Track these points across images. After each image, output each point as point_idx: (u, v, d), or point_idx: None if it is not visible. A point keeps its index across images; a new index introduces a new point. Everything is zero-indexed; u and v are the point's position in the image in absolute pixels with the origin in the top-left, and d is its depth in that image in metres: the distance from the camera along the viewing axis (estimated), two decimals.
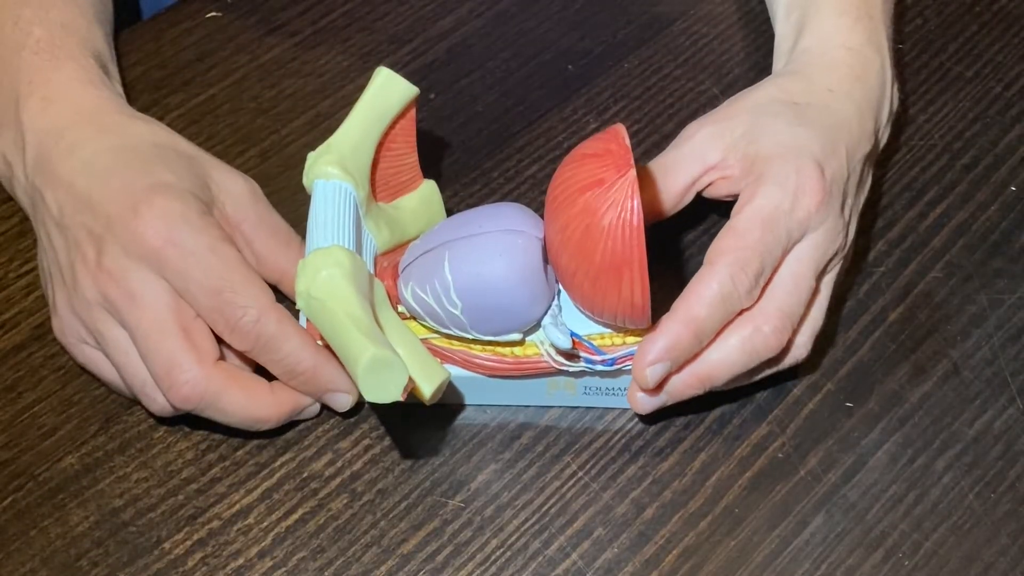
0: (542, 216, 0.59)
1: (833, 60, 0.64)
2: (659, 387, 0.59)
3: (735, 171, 0.61)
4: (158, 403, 0.58)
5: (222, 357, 0.58)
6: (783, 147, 0.60)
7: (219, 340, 0.58)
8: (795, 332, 0.59)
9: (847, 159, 0.61)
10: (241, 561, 0.58)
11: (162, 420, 0.61)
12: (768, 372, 0.61)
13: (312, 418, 0.61)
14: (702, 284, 0.57)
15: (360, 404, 0.62)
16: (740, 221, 0.58)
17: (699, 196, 0.63)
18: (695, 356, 0.58)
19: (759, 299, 0.58)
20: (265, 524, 0.59)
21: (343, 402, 0.60)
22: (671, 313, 0.57)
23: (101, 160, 0.59)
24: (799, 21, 0.67)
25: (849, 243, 0.62)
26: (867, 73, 0.64)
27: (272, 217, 0.63)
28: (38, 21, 0.64)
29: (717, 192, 0.62)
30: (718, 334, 0.58)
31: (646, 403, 0.59)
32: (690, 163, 0.62)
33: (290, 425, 0.61)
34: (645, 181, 0.61)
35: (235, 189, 0.61)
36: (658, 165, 0.62)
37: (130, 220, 0.57)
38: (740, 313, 0.58)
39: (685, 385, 0.59)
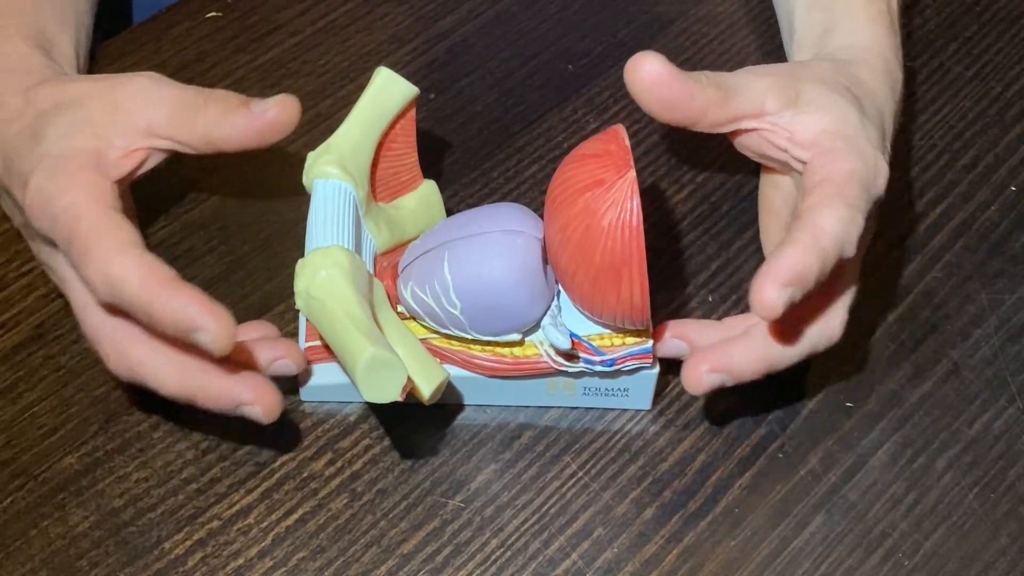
0: (542, 216, 0.59)
1: (873, 65, 0.63)
2: (719, 363, 0.57)
3: (792, 133, 0.59)
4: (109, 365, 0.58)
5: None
6: (855, 128, 0.59)
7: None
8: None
9: (887, 160, 0.61)
10: (241, 561, 0.58)
11: (162, 420, 0.61)
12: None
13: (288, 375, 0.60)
14: (825, 218, 0.54)
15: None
16: (838, 178, 0.56)
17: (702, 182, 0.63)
18: (767, 343, 0.57)
19: (824, 287, 0.57)
20: (265, 524, 0.59)
21: (204, 341, 0.53)
22: (793, 241, 0.54)
23: (5, 144, 0.59)
24: (828, 18, 0.66)
25: None
26: (896, 86, 0.64)
27: (178, 96, 0.59)
28: None
29: (753, 144, 0.60)
30: (791, 320, 0.57)
31: (709, 382, 0.58)
32: (751, 96, 0.59)
33: (290, 425, 0.61)
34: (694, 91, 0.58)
35: (127, 104, 0.59)
36: (720, 77, 0.59)
37: (24, 208, 0.57)
38: (830, 284, 0.57)
39: (753, 369, 0.58)
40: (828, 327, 0.59)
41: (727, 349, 0.58)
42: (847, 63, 0.63)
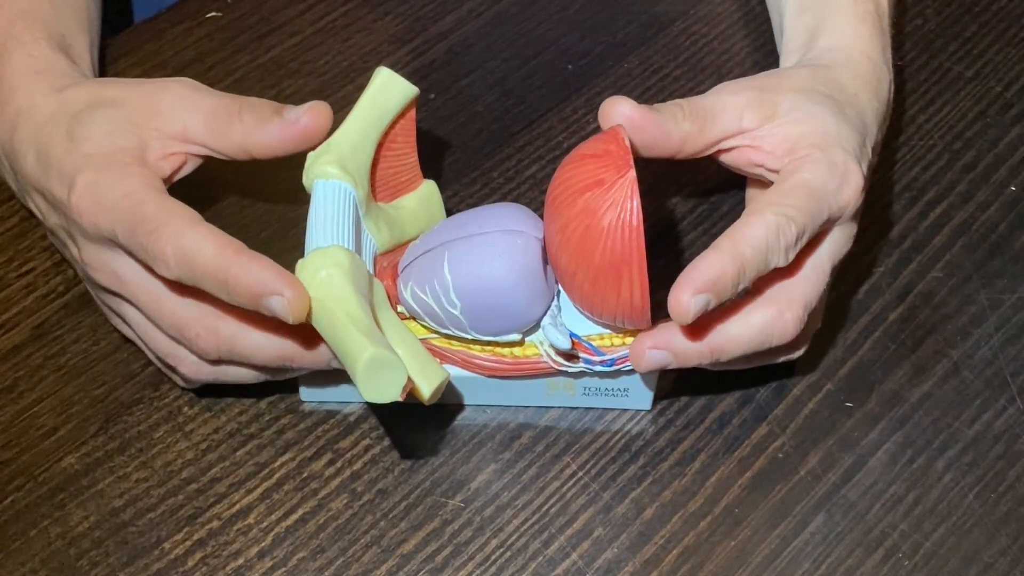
0: (542, 216, 0.59)
1: (858, 67, 0.63)
2: (660, 341, 0.57)
3: (770, 146, 0.59)
4: (189, 364, 0.58)
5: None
6: (829, 137, 0.59)
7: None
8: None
9: (870, 166, 0.61)
10: (241, 561, 0.58)
11: (162, 420, 0.61)
12: (761, 363, 0.60)
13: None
14: (748, 226, 0.56)
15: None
16: (787, 185, 0.57)
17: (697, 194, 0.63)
18: (710, 326, 0.57)
19: (782, 283, 0.58)
20: (265, 524, 0.59)
21: (279, 307, 0.54)
22: (715, 248, 0.55)
23: (39, 145, 0.59)
24: (815, 19, 0.66)
25: None
26: (881, 86, 0.64)
27: (215, 104, 0.60)
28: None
29: (739, 160, 0.61)
30: (738, 308, 0.58)
31: (652, 360, 0.58)
32: (728, 117, 0.60)
33: (290, 425, 0.61)
34: (677, 116, 0.59)
35: (165, 110, 0.59)
36: (695, 106, 0.60)
37: (71, 207, 0.57)
38: (767, 282, 0.58)
39: (697, 353, 0.58)
40: (781, 320, 0.58)
41: (672, 329, 0.58)
42: (828, 68, 0.63)
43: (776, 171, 0.59)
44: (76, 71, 0.63)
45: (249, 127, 0.59)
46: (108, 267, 0.58)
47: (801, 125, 0.59)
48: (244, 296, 0.54)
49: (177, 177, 0.60)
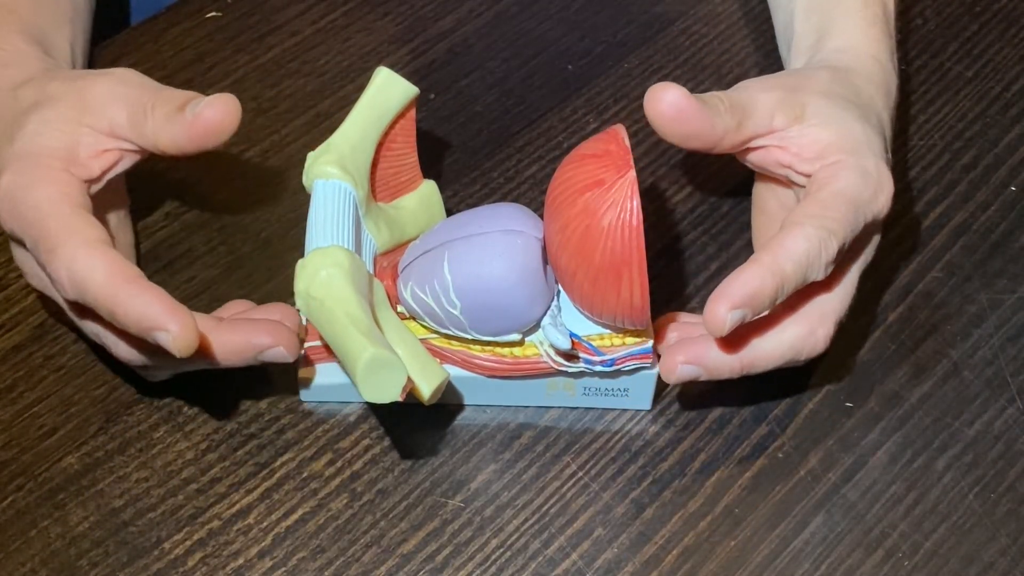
0: (542, 216, 0.59)
1: (868, 70, 0.63)
2: (693, 356, 0.58)
3: (798, 148, 0.59)
4: (121, 349, 0.57)
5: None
6: (859, 142, 0.59)
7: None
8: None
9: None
10: (241, 561, 0.58)
11: (162, 420, 0.61)
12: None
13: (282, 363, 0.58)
14: (791, 239, 0.55)
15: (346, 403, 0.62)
16: (825, 195, 0.57)
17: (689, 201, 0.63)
18: (743, 341, 0.57)
19: (814, 298, 0.58)
20: (265, 524, 0.59)
21: (165, 341, 0.52)
22: (755, 262, 0.55)
23: None
24: (823, 20, 0.66)
25: None
26: (891, 91, 0.64)
27: (135, 97, 0.57)
28: None
29: (766, 159, 0.60)
30: (772, 323, 0.57)
31: (684, 373, 0.58)
32: (761, 116, 0.59)
33: (290, 425, 0.61)
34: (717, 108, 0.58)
35: (94, 104, 0.57)
36: (734, 100, 0.58)
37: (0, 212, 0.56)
38: (802, 296, 0.57)
39: (728, 368, 0.58)
40: (813, 337, 0.58)
41: (705, 344, 0.58)
42: (845, 71, 0.63)
43: (804, 174, 0.59)
44: (48, 63, 0.62)
45: (159, 123, 0.57)
46: (28, 275, 0.58)
47: (829, 129, 0.59)
48: (132, 327, 0.53)
49: (110, 175, 0.58)
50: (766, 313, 0.56)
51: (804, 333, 0.58)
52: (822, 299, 0.59)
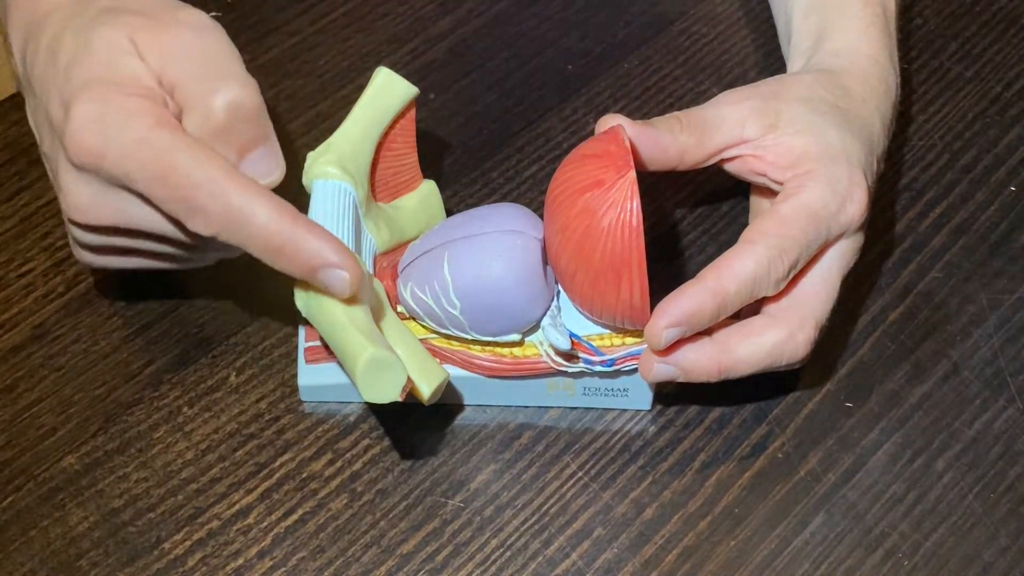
0: (541, 216, 0.59)
1: (864, 70, 0.63)
2: (670, 356, 0.58)
3: (773, 156, 0.59)
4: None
5: None
6: (834, 149, 0.59)
7: None
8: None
9: (875, 174, 0.61)
10: (241, 561, 0.58)
11: (162, 420, 0.61)
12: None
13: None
14: (737, 260, 0.56)
15: (374, 404, 0.62)
16: (786, 209, 0.57)
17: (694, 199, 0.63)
18: (721, 346, 0.57)
19: (794, 302, 0.58)
20: (265, 524, 0.59)
21: (339, 282, 0.52)
22: (699, 280, 0.56)
23: (51, 53, 0.54)
24: (822, 21, 0.66)
25: None
26: (889, 91, 0.64)
27: (209, 56, 0.54)
28: None
29: (742, 168, 0.61)
30: (750, 328, 0.58)
31: (659, 372, 0.58)
32: (729, 128, 0.60)
33: (290, 425, 0.61)
34: (675, 128, 0.59)
35: (170, 47, 0.54)
36: (694, 117, 0.60)
37: (65, 137, 0.52)
38: (762, 302, 0.58)
39: (704, 371, 0.58)
40: (792, 342, 0.58)
41: (681, 345, 0.58)
42: (834, 73, 0.63)
43: (779, 182, 0.59)
44: None
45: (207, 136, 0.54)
46: (111, 205, 0.53)
47: (803, 137, 0.59)
48: (297, 267, 0.52)
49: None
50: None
51: (783, 338, 0.58)
52: (799, 303, 0.59)
